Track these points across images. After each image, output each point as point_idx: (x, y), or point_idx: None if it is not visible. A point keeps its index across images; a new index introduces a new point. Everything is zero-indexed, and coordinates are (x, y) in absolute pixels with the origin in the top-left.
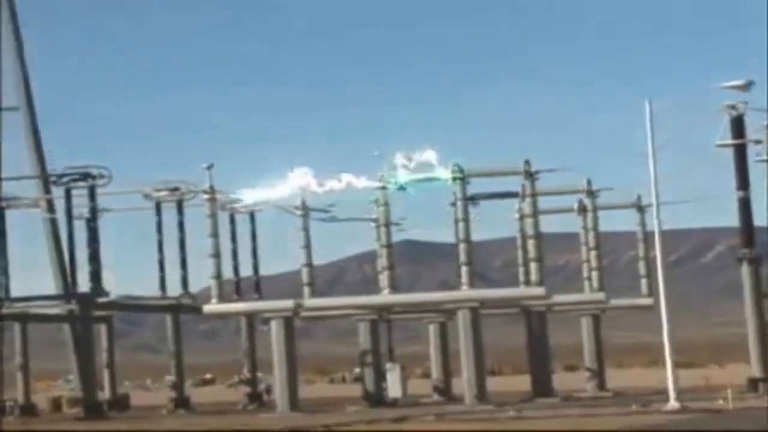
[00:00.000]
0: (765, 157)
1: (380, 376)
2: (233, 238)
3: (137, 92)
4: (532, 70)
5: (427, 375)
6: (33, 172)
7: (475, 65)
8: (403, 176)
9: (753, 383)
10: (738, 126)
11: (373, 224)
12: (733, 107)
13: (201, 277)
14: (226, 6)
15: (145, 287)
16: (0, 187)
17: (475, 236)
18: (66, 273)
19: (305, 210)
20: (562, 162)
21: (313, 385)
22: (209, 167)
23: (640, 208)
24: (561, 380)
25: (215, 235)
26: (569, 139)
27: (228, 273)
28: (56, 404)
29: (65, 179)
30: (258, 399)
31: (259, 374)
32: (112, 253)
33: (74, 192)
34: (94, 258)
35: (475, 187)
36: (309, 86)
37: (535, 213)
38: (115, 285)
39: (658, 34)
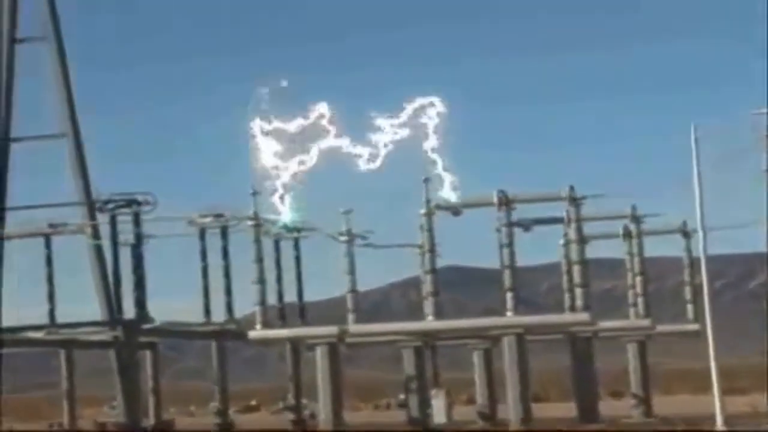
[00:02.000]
0: None
1: (425, 402)
2: (278, 264)
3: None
4: (573, 91)
5: (472, 401)
6: (78, 198)
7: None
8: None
9: None
10: None
11: (417, 250)
12: None
13: (245, 303)
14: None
15: (190, 313)
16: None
17: (520, 261)
18: (111, 299)
19: (350, 236)
20: (606, 187)
21: (359, 412)
22: (254, 193)
23: (686, 234)
24: (607, 406)
25: (260, 260)
26: (613, 163)
27: (272, 299)
28: (102, 430)
29: (110, 206)
30: (303, 425)
31: (304, 401)
32: (157, 279)
33: (119, 218)
34: (139, 284)
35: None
36: None
37: (581, 239)
38: (159, 311)
39: (704, 58)
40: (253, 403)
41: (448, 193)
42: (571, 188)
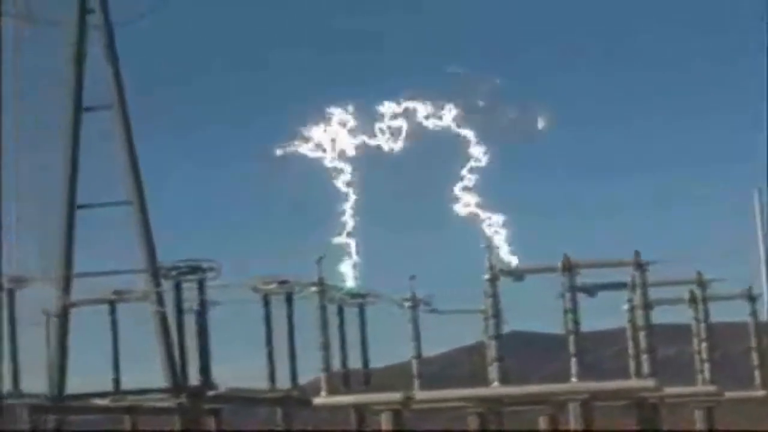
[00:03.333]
0: None
1: None
2: (342, 330)
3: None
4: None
5: None
6: (143, 265)
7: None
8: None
9: None
10: None
11: (481, 315)
12: None
13: (310, 370)
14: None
15: (255, 380)
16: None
17: (585, 327)
18: (175, 366)
19: (414, 302)
20: (671, 251)
21: None
22: (319, 260)
23: (752, 298)
24: None
25: (324, 327)
26: (677, 227)
27: (337, 365)
28: None
29: (175, 272)
30: None
31: None
32: (221, 345)
33: (184, 285)
34: (204, 351)
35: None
36: None
37: (646, 304)
38: (224, 378)
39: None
40: None
41: (508, 257)
42: (637, 253)
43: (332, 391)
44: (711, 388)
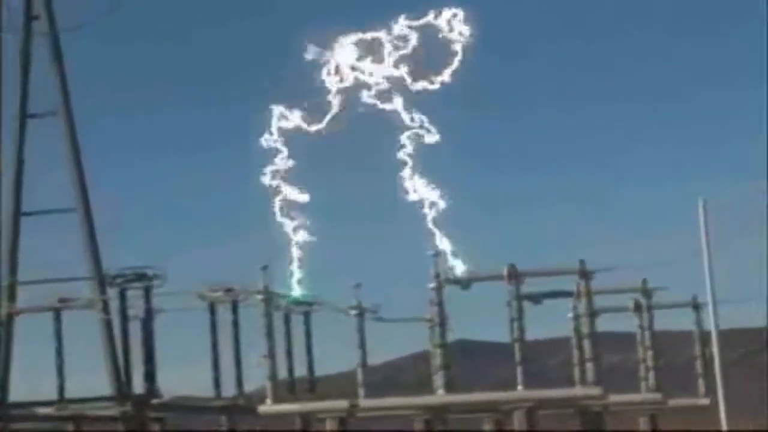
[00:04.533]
0: None
1: None
2: (288, 338)
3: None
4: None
5: None
6: (88, 273)
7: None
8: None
9: None
10: None
11: (427, 324)
12: None
13: (256, 377)
14: None
15: (199, 388)
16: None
17: (530, 335)
18: (120, 373)
19: (360, 310)
20: (617, 260)
21: None
22: (264, 267)
23: (696, 307)
24: None
25: (270, 335)
26: (624, 236)
27: (283, 373)
28: None
29: (120, 280)
30: None
31: None
32: (166, 353)
33: (129, 293)
34: (149, 358)
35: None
36: None
37: (591, 312)
38: (169, 386)
39: (716, 134)
40: None
41: (453, 262)
42: (582, 262)
43: (278, 399)
44: (655, 396)
